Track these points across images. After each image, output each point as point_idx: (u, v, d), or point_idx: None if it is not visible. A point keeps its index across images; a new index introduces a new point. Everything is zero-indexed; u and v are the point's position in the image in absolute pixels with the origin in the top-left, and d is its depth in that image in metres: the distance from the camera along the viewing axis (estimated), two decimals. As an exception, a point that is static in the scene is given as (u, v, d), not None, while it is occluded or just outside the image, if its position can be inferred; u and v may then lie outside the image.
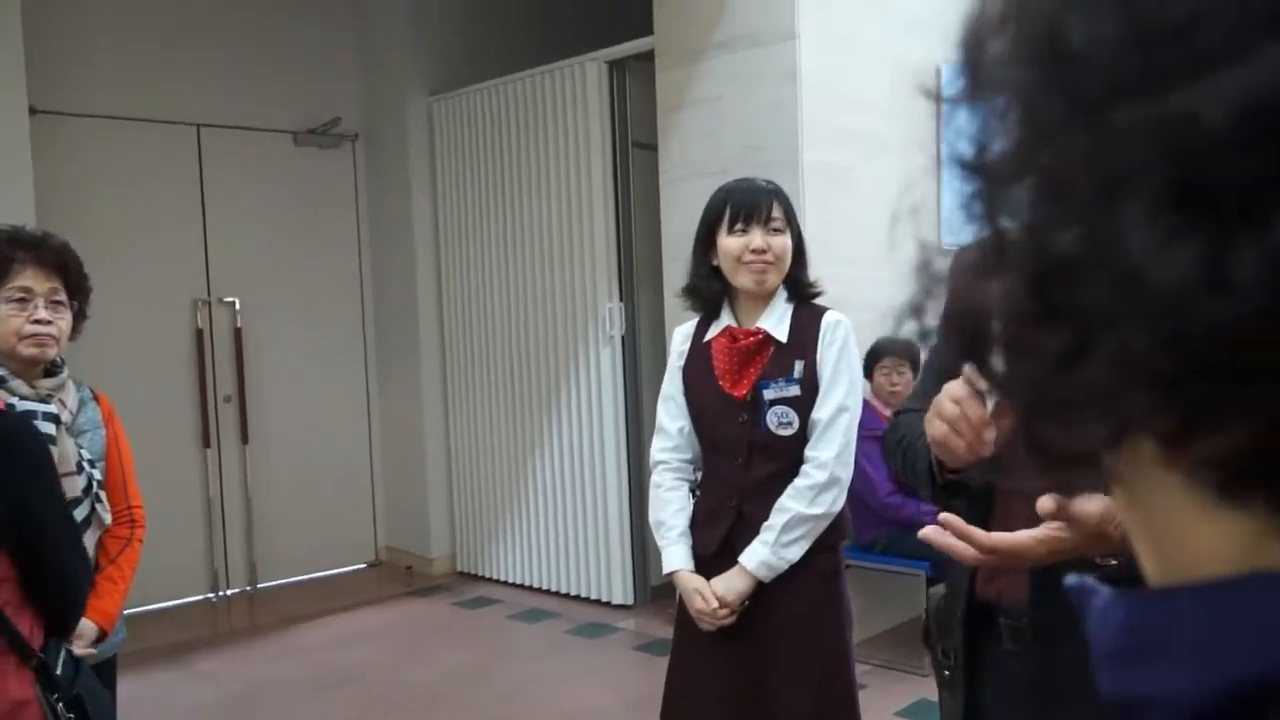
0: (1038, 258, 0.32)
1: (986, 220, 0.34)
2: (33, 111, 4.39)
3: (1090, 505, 1.14)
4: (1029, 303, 0.32)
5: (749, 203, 2.15)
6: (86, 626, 1.96)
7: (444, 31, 5.58)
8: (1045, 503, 1.15)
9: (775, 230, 2.14)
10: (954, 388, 1.20)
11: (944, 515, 1.22)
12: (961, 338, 0.36)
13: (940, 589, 1.47)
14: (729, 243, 2.15)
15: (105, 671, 2.05)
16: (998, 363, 0.35)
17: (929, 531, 1.22)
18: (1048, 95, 0.31)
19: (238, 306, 5.38)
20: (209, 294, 5.32)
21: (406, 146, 5.57)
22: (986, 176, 0.34)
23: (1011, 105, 0.33)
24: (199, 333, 5.27)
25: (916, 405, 1.53)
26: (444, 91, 5.51)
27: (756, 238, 2.12)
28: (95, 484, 2.07)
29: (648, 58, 4.46)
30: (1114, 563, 1.17)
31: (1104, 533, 1.15)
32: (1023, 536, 1.17)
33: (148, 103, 5.05)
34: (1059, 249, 0.30)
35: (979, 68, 0.34)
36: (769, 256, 2.13)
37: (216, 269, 5.33)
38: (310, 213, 5.64)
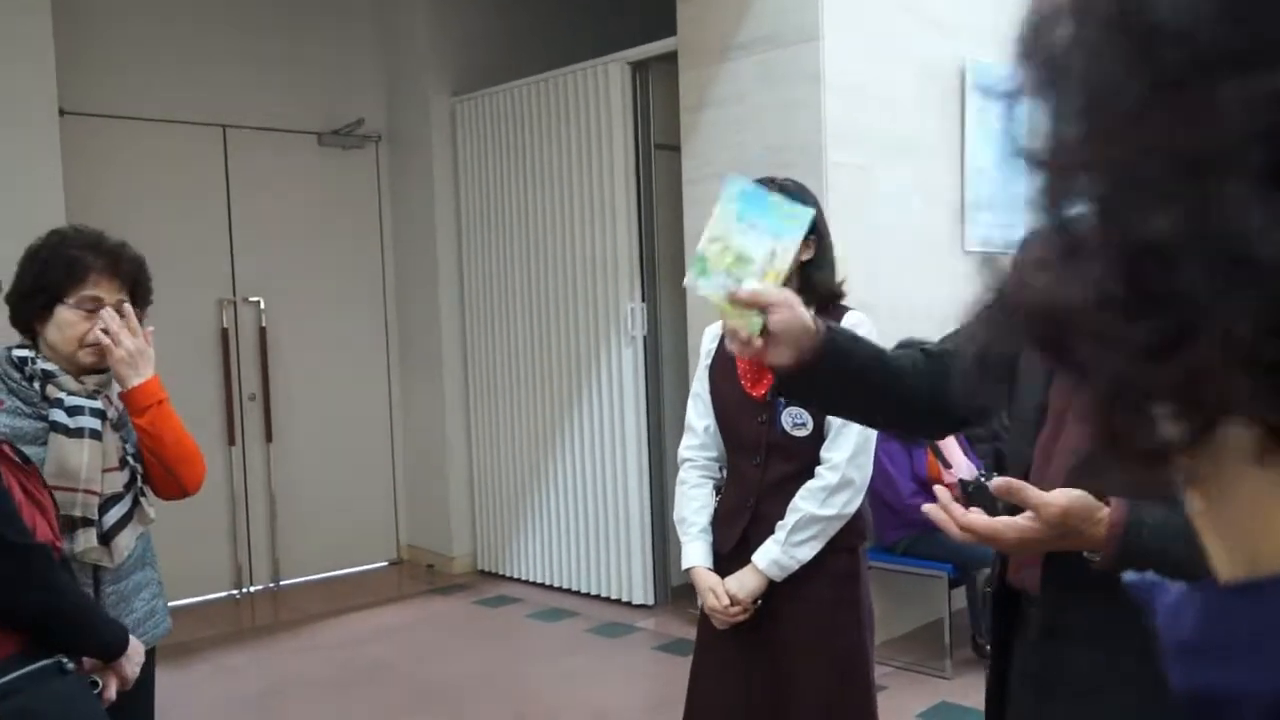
0: (1126, 244, 0.30)
1: (1054, 212, 0.33)
2: (63, 113, 4.44)
3: (1051, 496, 1.16)
4: (1118, 290, 0.30)
5: None
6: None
7: (467, 33, 5.60)
8: (998, 483, 1.18)
9: None
10: None
11: (931, 505, 1.26)
12: (1035, 331, 0.35)
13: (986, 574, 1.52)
14: None
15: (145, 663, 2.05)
16: (1079, 354, 0.33)
17: (928, 509, 1.27)
18: (1126, 76, 0.30)
19: (262, 306, 5.42)
20: (234, 293, 5.36)
21: (429, 147, 5.60)
22: (1053, 167, 0.33)
23: (1081, 91, 0.31)
24: (224, 332, 5.32)
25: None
26: (467, 92, 5.53)
27: None
28: (139, 478, 2.09)
29: (670, 59, 4.46)
30: (1098, 558, 1.18)
31: (1072, 527, 1.17)
32: (997, 522, 1.20)
33: (175, 104, 5.10)
34: (1151, 233, 0.29)
35: (1043, 56, 0.33)
36: None
37: (242, 268, 5.37)
38: (334, 213, 5.68)
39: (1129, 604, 1.30)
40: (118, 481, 2.02)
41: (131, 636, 1.89)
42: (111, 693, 1.84)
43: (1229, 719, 0.31)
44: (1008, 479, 1.18)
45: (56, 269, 2.00)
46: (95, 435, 1.97)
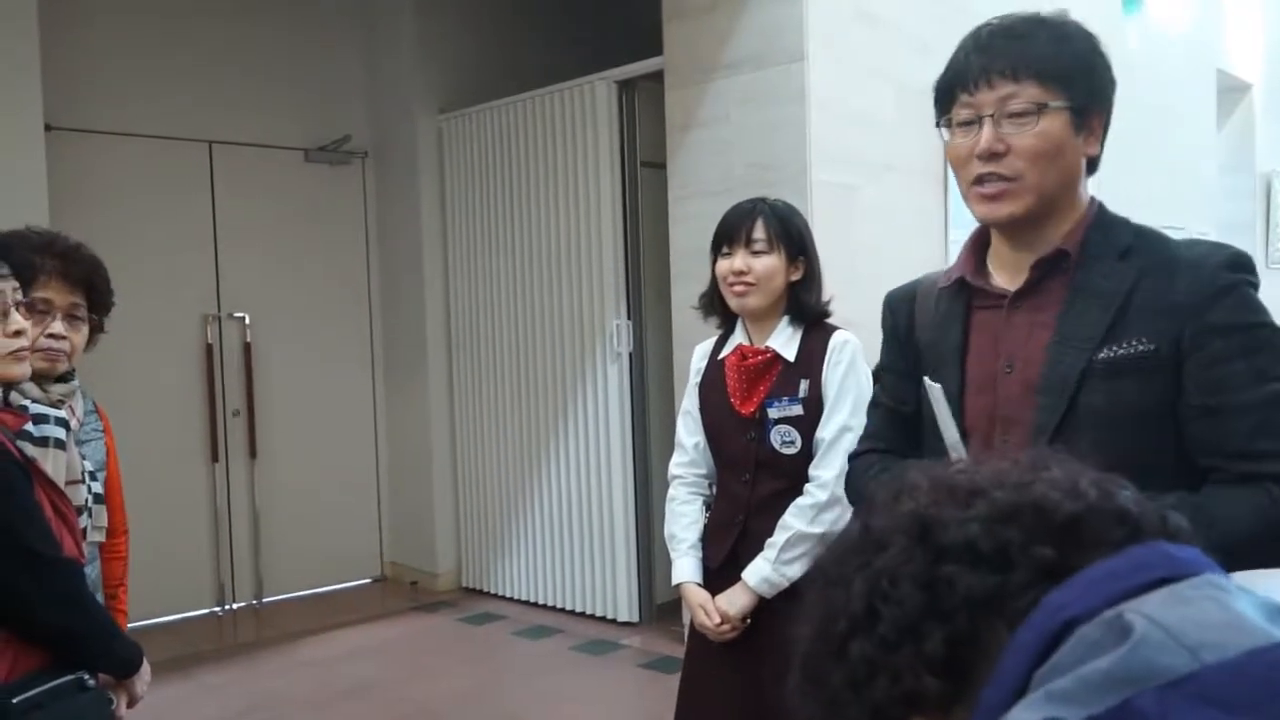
0: None
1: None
2: (48, 128, 4.43)
3: None
4: None
5: (732, 225, 2.23)
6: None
7: (454, 50, 5.62)
8: None
9: (757, 252, 2.18)
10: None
11: None
12: None
13: None
14: (719, 266, 2.24)
15: None
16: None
17: None
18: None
19: (247, 322, 5.41)
20: (219, 309, 5.35)
21: (416, 164, 5.61)
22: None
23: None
24: (208, 347, 5.30)
25: (868, 446, 1.60)
26: (454, 110, 5.55)
27: (738, 260, 2.19)
28: (91, 498, 2.00)
29: (657, 78, 4.49)
30: None
31: None
32: None
33: (160, 119, 5.10)
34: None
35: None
36: (749, 278, 2.18)
37: (227, 284, 5.36)
38: (320, 229, 5.68)
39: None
40: (79, 496, 1.93)
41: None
42: (123, 710, 1.83)
43: None
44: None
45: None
46: (60, 445, 1.88)
